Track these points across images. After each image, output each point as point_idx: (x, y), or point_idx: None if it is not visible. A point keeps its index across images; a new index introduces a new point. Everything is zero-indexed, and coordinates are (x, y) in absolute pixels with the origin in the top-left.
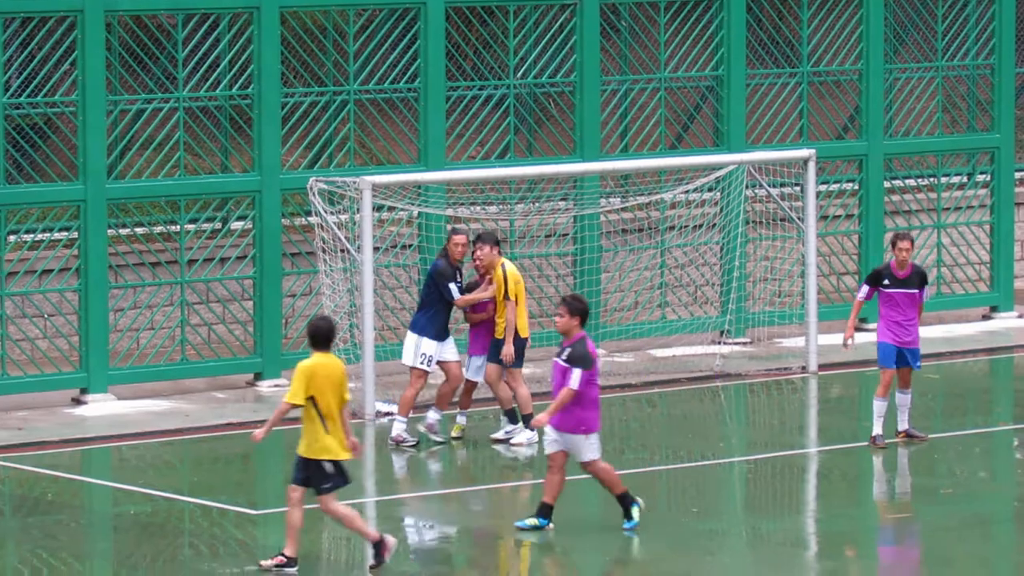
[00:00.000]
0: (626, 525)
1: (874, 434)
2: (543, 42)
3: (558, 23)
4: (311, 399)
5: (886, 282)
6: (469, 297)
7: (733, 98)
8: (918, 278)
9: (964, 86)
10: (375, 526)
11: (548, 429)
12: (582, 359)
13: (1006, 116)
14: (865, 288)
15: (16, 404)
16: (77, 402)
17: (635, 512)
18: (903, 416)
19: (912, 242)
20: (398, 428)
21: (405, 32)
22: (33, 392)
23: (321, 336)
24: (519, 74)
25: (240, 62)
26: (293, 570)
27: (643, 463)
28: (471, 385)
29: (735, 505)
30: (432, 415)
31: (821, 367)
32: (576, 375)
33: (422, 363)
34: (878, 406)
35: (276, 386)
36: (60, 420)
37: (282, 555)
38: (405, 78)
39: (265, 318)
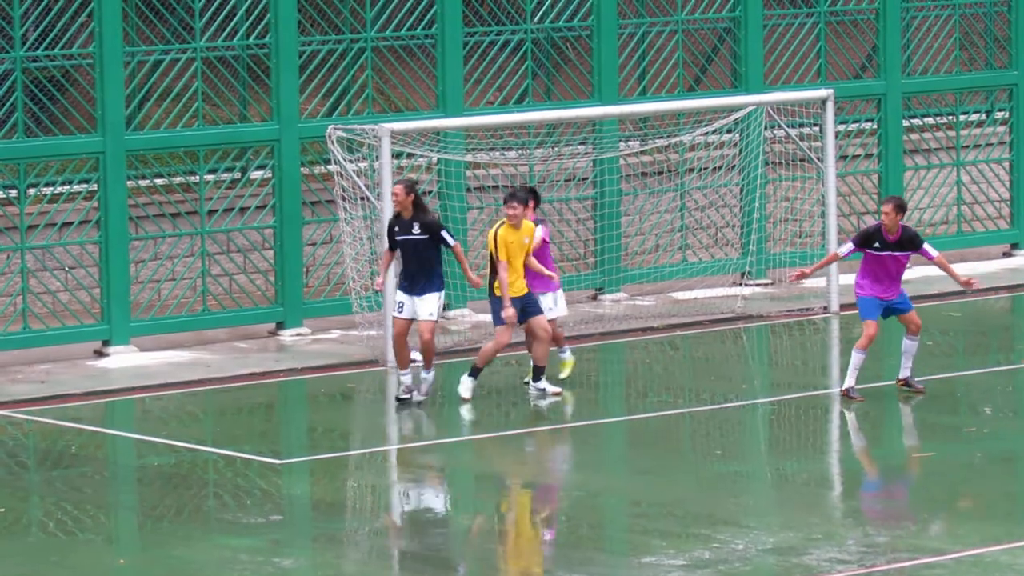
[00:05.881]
0: None
1: (846, 386)
2: None
3: None
4: None
5: (876, 245)
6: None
7: (751, 39)
8: (908, 242)
9: (981, 23)
10: (402, 473)
11: None
12: None
13: None
14: (849, 246)
15: (39, 357)
16: (99, 354)
17: None
18: (906, 363)
19: (896, 207)
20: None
21: None
22: (55, 345)
23: None
24: (536, 18)
25: (257, 11)
26: None
27: (666, 406)
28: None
29: (758, 446)
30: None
31: (843, 307)
32: None
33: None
34: (857, 358)
35: (298, 335)
36: (83, 372)
37: None
38: (422, 24)
39: (286, 267)
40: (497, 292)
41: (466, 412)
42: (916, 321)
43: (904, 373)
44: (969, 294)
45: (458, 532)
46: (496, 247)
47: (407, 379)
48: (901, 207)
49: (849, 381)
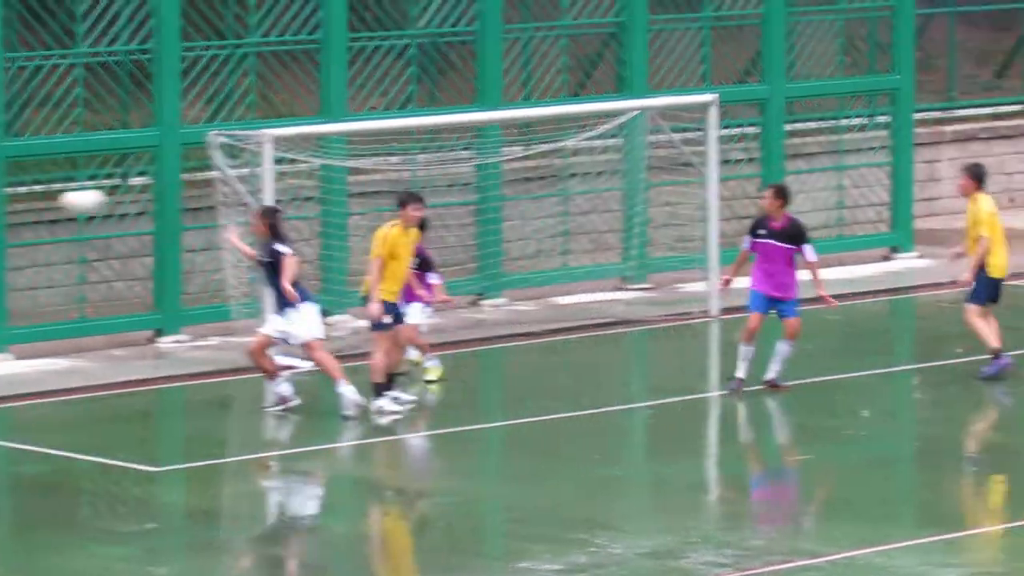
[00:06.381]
0: None
1: (737, 375)
2: None
3: None
4: None
5: (761, 232)
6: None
7: (635, 44)
8: (792, 233)
9: (864, 28)
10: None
11: None
12: None
13: (906, 58)
14: (747, 238)
15: None
16: None
17: None
18: (775, 366)
19: (775, 192)
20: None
21: None
22: None
23: None
24: (421, 24)
25: (139, 16)
26: None
27: (546, 411)
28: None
29: (638, 451)
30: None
31: (722, 311)
32: None
33: None
34: (741, 350)
35: (177, 342)
36: None
37: None
38: (306, 30)
39: (165, 274)
40: (384, 296)
41: (344, 418)
42: (794, 327)
43: (770, 375)
44: (849, 297)
45: (334, 539)
46: (383, 246)
47: (281, 389)
48: (780, 193)
49: (739, 372)
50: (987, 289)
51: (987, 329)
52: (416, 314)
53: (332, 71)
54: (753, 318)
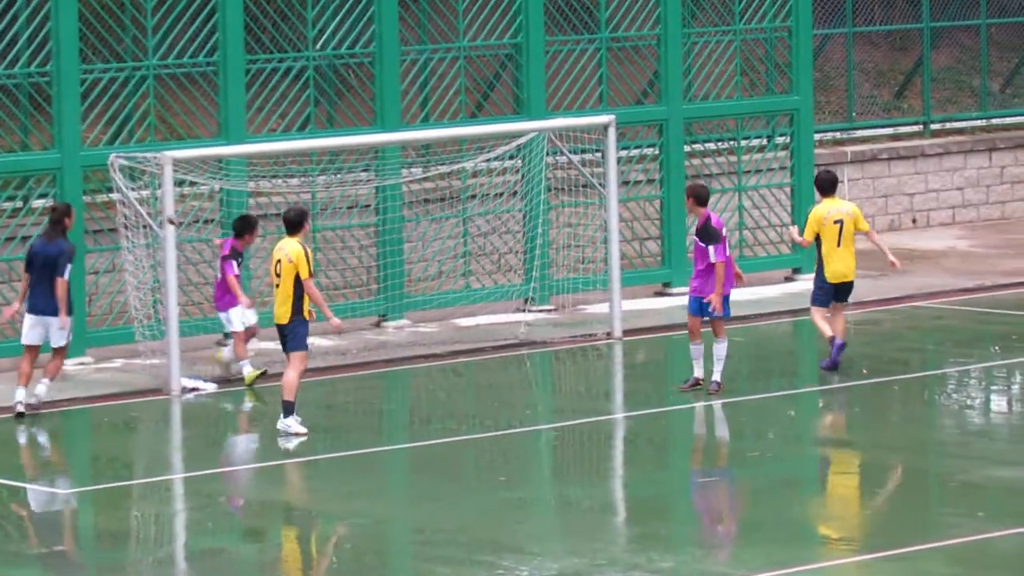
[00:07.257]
0: None
1: (696, 376)
2: (341, 13)
3: None
4: None
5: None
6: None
7: (532, 65)
8: (701, 230)
9: (762, 49)
10: (186, 502)
11: None
12: None
13: (804, 78)
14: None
15: None
16: None
17: None
18: (716, 367)
19: (687, 193)
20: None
21: (203, 5)
22: None
23: None
24: (318, 46)
25: (38, 39)
26: None
27: (450, 433)
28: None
29: (543, 473)
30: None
31: (625, 332)
32: None
33: None
34: (691, 349)
35: (81, 364)
36: None
37: None
38: (204, 52)
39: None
40: (307, 316)
41: (249, 440)
42: (717, 327)
43: (714, 376)
44: (752, 319)
45: (241, 561)
46: (308, 264)
47: (39, 390)
48: (690, 193)
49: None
50: (821, 293)
51: (824, 324)
52: (240, 317)
53: (230, 93)
54: (689, 319)
